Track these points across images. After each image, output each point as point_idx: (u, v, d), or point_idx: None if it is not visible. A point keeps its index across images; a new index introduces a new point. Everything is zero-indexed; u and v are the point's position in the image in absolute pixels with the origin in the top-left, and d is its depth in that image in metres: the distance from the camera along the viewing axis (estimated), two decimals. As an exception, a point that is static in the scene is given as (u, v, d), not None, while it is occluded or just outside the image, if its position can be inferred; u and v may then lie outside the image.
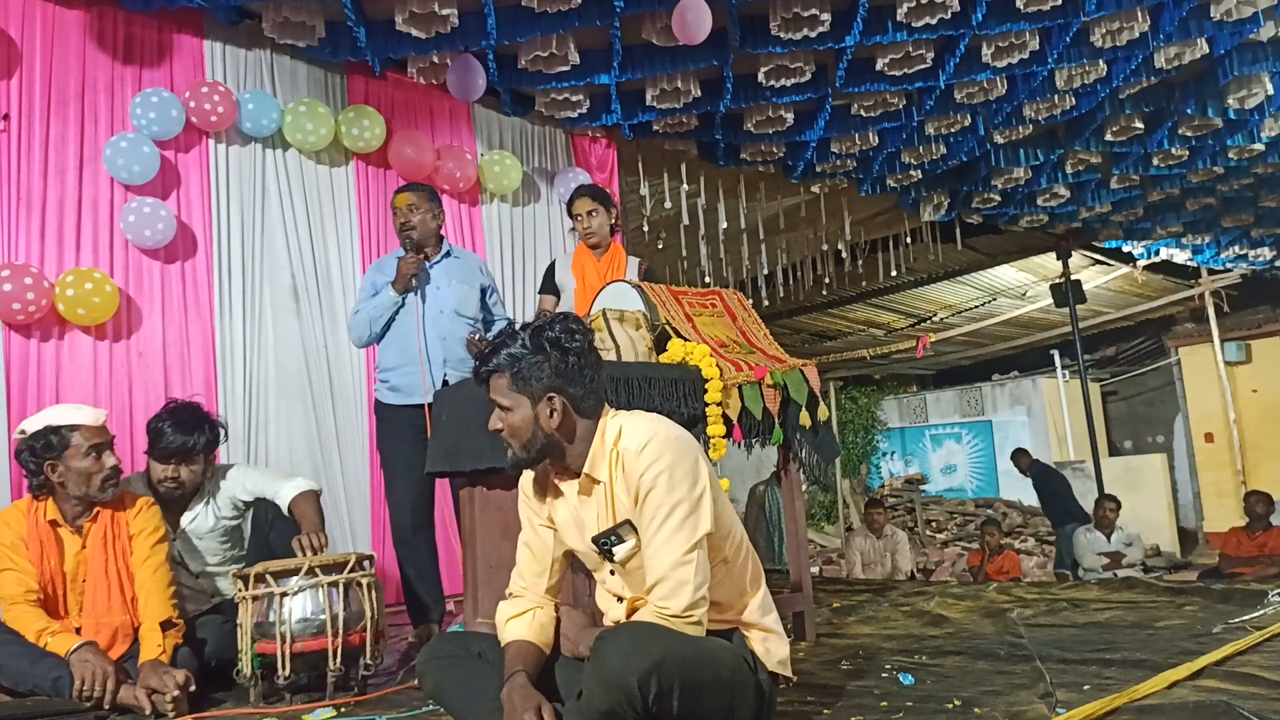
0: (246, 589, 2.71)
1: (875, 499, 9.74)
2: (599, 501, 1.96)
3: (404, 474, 3.54)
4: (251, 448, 4.42)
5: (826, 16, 4.70)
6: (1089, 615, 3.64)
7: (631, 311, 3.08)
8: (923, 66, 5.28)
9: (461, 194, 5.37)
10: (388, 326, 3.61)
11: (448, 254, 3.73)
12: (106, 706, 2.56)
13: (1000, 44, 5.16)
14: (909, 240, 8.43)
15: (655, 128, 5.93)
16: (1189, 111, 6.18)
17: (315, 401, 4.66)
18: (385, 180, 5.05)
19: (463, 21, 4.56)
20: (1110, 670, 2.57)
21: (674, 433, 1.93)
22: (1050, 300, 10.39)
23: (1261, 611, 3.36)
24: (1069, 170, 7.14)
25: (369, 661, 2.77)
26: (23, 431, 2.80)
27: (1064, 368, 13.88)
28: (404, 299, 3.57)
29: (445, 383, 3.50)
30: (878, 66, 5.25)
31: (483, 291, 3.76)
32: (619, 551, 1.94)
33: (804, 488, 3.41)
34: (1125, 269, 10.98)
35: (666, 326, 3.12)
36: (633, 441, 1.90)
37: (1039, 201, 7.73)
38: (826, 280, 9.55)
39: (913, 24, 4.80)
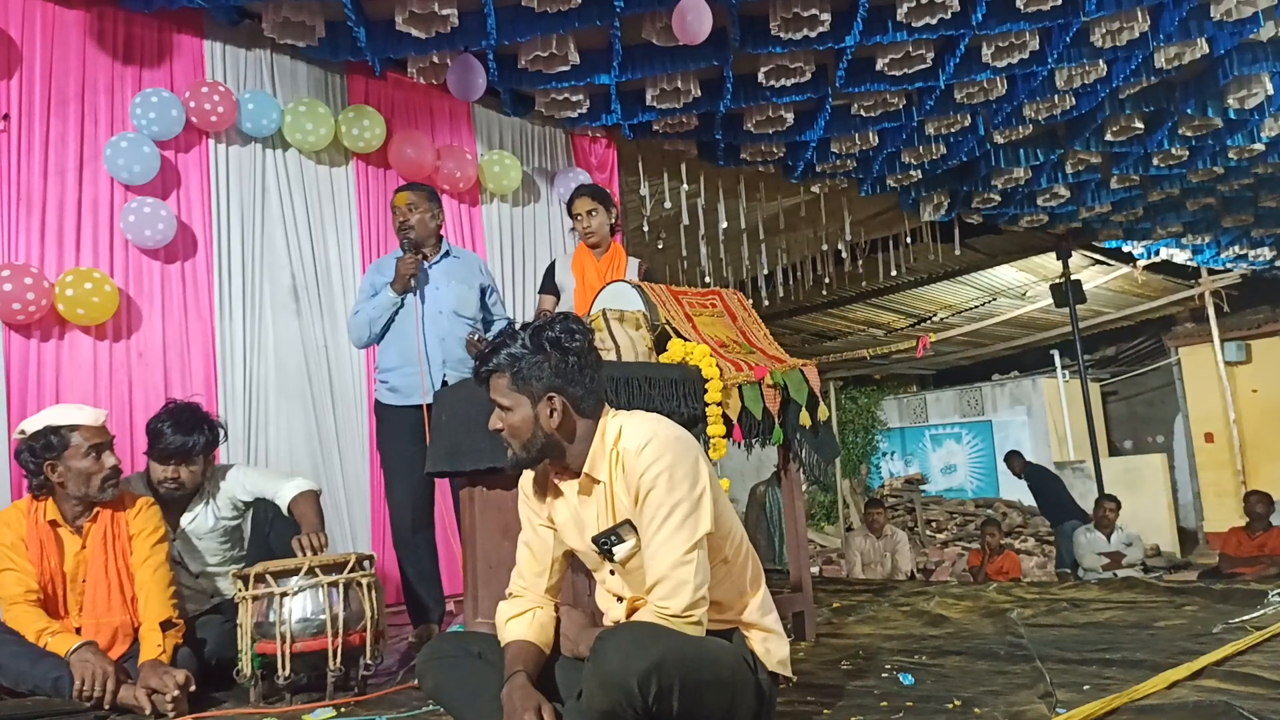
0: (246, 589, 2.71)
1: (875, 499, 9.73)
2: (599, 501, 1.96)
3: (404, 474, 3.54)
4: (251, 448, 4.42)
5: (826, 16, 4.70)
6: (1089, 615, 3.64)
7: (631, 311, 3.08)
8: (923, 66, 5.28)
9: (461, 194, 5.37)
10: (387, 327, 3.61)
11: (447, 254, 3.73)
12: (106, 706, 2.57)
13: (1000, 44, 5.16)
14: (909, 240, 8.43)
15: (655, 128, 5.93)
16: (1189, 111, 6.18)
17: (315, 401, 4.65)
18: (385, 180, 5.05)
19: (463, 21, 4.56)
20: (1110, 670, 2.57)
21: (674, 433, 1.93)
22: (1050, 300, 10.39)
23: (1261, 611, 3.36)
24: (1069, 170, 7.14)
25: (369, 661, 2.77)
26: (23, 431, 2.80)
27: (1064, 368, 13.88)
28: (403, 299, 3.57)
29: (444, 383, 3.50)
30: (878, 66, 5.25)
31: (482, 291, 3.76)
32: (619, 551, 1.94)
33: (804, 488, 3.41)
34: (1125, 269, 10.98)
35: (666, 326, 3.12)
36: (633, 441, 1.90)
37: (1039, 201, 7.73)
38: (826, 280, 9.55)
39: (913, 24, 4.80)
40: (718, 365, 2.98)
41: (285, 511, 3.15)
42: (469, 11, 4.54)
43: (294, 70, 4.88)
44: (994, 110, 6.11)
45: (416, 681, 2.38)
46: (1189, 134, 6.49)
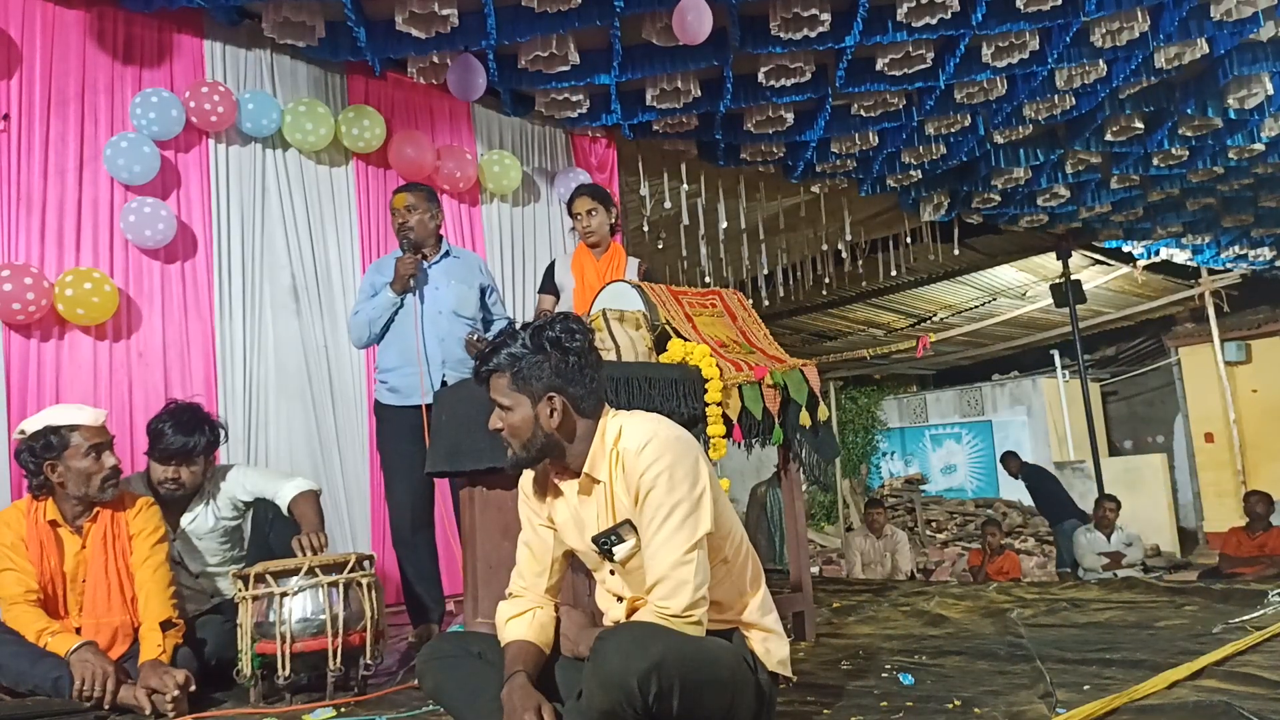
0: (246, 589, 2.71)
1: (875, 499, 9.73)
2: (599, 501, 1.96)
3: (403, 474, 3.54)
4: (251, 448, 4.42)
5: (826, 16, 4.70)
6: (1089, 615, 3.64)
7: (631, 311, 3.08)
8: (923, 66, 5.28)
9: (461, 194, 5.37)
10: (387, 327, 3.61)
11: (447, 254, 3.72)
12: (106, 706, 2.57)
13: (1000, 44, 5.16)
14: (909, 240, 8.43)
15: (655, 128, 5.93)
16: (1189, 111, 6.18)
17: (315, 401, 4.65)
18: (385, 180, 5.04)
19: (463, 21, 4.56)
20: (1110, 670, 2.57)
21: (674, 433, 1.93)
22: (1050, 300, 10.39)
23: (1261, 611, 3.36)
24: (1069, 170, 7.14)
25: (369, 661, 2.77)
26: (22, 431, 2.80)
27: (1064, 368, 13.88)
28: (402, 300, 3.57)
29: (444, 383, 3.50)
30: (878, 66, 5.25)
31: (482, 291, 3.76)
32: (619, 551, 1.94)
33: (804, 488, 3.41)
34: (1125, 269, 10.98)
35: (666, 326, 3.12)
36: (633, 441, 1.90)
37: (1039, 201, 7.73)
38: (826, 280, 9.55)
39: (913, 24, 4.80)
40: (718, 365, 2.98)
41: (285, 511, 3.15)
42: (469, 11, 4.54)
43: (294, 70, 4.88)
44: (994, 110, 6.11)
45: (416, 681, 2.38)
46: (1189, 134, 6.49)
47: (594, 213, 3.98)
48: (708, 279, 8.44)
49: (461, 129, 5.49)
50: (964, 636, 3.30)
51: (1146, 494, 12.27)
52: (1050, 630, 3.35)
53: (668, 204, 6.74)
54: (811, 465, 3.25)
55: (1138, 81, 5.87)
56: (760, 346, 3.30)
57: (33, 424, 2.79)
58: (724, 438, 2.96)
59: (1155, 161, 6.98)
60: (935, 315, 12.54)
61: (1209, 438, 12.93)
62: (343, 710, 2.57)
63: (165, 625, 2.75)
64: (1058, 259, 9.55)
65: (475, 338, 3.51)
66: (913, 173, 7.04)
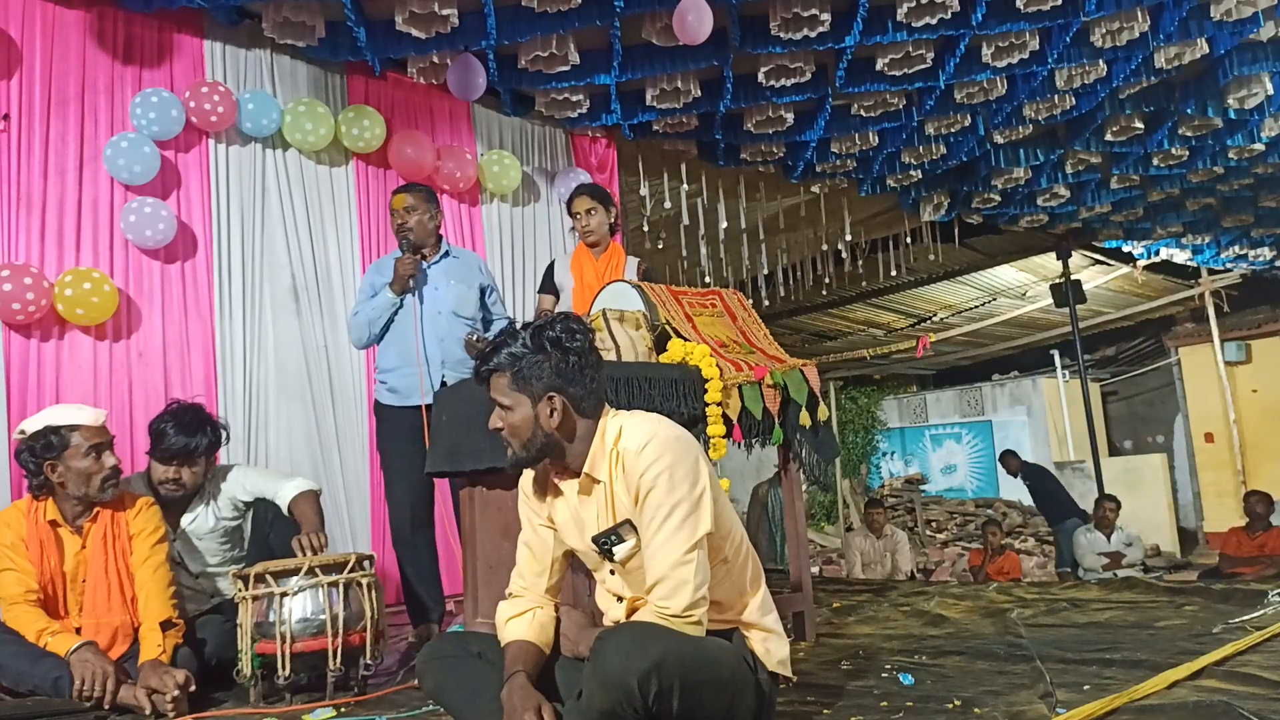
0: (246, 589, 2.71)
1: (875, 499, 9.73)
2: (599, 501, 1.96)
3: (403, 474, 3.54)
4: (251, 448, 4.42)
5: (826, 16, 4.70)
6: (1089, 615, 3.64)
7: (631, 311, 3.08)
8: (923, 66, 5.28)
9: (461, 194, 5.37)
10: (387, 328, 3.60)
11: (446, 254, 3.72)
12: (106, 706, 2.57)
13: (1000, 44, 5.16)
14: (909, 240, 8.43)
15: (655, 128, 5.93)
16: (1189, 111, 6.18)
17: (315, 401, 4.65)
18: (385, 180, 5.04)
19: (463, 21, 4.56)
20: (1110, 670, 2.57)
21: (674, 433, 1.93)
22: (1050, 300, 10.39)
23: (1261, 611, 3.36)
24: (1069, 170, 7.14)
25: (369, 661, 2.77)
26: (22, 431, 2.80)
27: (1064, 368, 13.88)
28: (402, 300, 3.57)
29: (444, 384, 3.50)
30: (878, 66, 5.25)
31: (482, 291, 3.76)
32: (619, 551, 1.95)
33: (804, 488, 3.41)
34: (1125, 269, 10.98)
35: (666, 326, 3.12)
36: (633, 441, 1.90)
37: (1039, 201, 7.73)
38: (826, 280, 9.55)
39: (913, 24, 4.80)
40: (718, 365, 2.98)
41: (285, 511, 3.15)
42: (469, 11, 4.54)
43: (294, 70, 4.87)
44: (994, 110, 6.11)
45: (416, 681, 2.38)
46: (1189, 134, 6.49)
47: (593, 212, 3.99)
48: (708, 279, 8.44)
49: (461, 129, 5.49)
50: (964, 636, 3.30)
51: (1146, 494, 12.27)
52: (1050, 630, 3.35)
53: (668, 204, 6.74)
54: (811, 465, 3.25)
55: (1138, 81, 5.87)
56: (760, 346, 3.30)
57: (33, 424, 2.79)
58: (724, 438, 2.96)
59: (1155, 161, 6.98)
60: (935, 315, 12.54)
61: (1209, 438, 12.93)
62: (343, 710, 2.57)
63: (165, 625, 2.75)
64: (1058, 259, 9.55)
65: (475, 338, 3.51)
66: (913, 173, 7.04)
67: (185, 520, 3.15)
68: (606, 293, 3.31)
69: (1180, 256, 10.21)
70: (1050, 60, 5.37)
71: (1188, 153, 6.84)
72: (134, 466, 3.47)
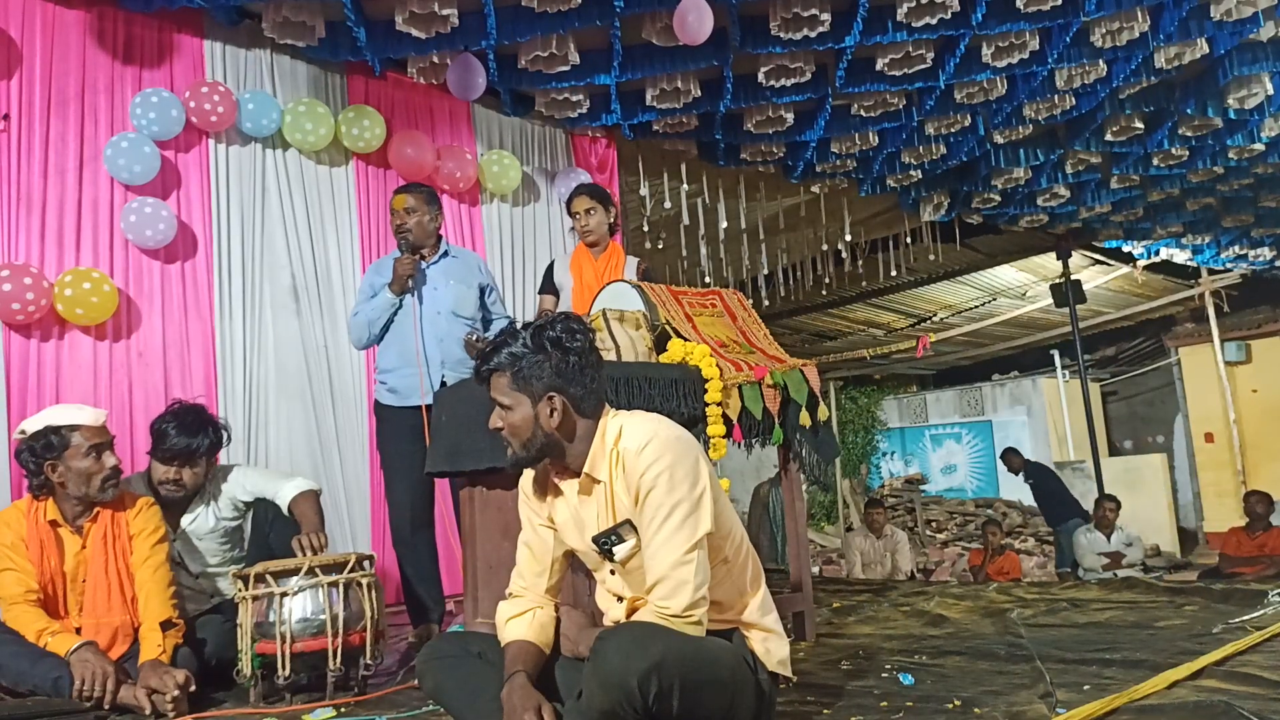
0: (246, 589, 2.71)
1: (875, 499, 9.73)
2: (599, 501, 1.96)
3: (403, 474, 3.54)
4: (251, 448, 4.42)
5: (826, 16, 4.70)
6: (1089, 615, 3.64)
7: (631, 311, 3.08)
8: (923, 66, 5.28)
9: (461, 194, 5.37)
10: (386, 328, 3.60)
11: (445, 254, 3.72)
12: (106, 706, 2.57)
13: (1000, 44, 5.16)
14: (909, 240, 8.43)
15: (655, 128, 5.93)
16: (1189, 111, 6.18)
17: (315, 401, 4.65)
18: (385, 180, 5.04)
19: (463, 21, 4.56)
20: (1110, 670, 2.57)
21: (674, 433, 1.93)
22: (1050, 300, 10.38)
23: (1261, 611, 3.36)
24: (1069, 170, 7.14)
25: (369, 661, 2.77)
26: (23, 431, 2.80)
27: (1064, 368, 13.88)
28: (401, 300, 3.57)
29: (443, 384, 3.50)
30: (878, 66, 5.25)
31: (481, 291, 3.76)
32: (619, 551, 1.95)
33: (804, 488, 3.41)
34: (1125, 269, 10.98)
35: (666, 326, 3.12)
36: (633, 441, 1.90)
37: (1039, 201, 7.73)
38: (826, 280, 9.55)
39: (913, 24, 4.80)
40: (718, 365, 2.98)
41: (285, 511, 3.15)
42: (469, 11, 4.54)
43: (294, 70, 4.87)
44: (994, 110, 6.11)
45: (416, 681, 2.38)
46: (1189, 134, 6.49)
47: (592, 212, 3.99)
48: (708, 279, 8.44)
49: (461, 129, 5.49)
50: (964, 636, 3.30)
51: (1146, 494, 12.26)
52: (1050, 630, 3.35)
53: (668, 204, 6.74)
54: (811, 465, 3.25)
55: (1138, 81, 5.87)
56: (760, 346, 3.30)
57: (33, 424, 2.79)
58: (724, 438, 2.96)
59: (1155, 161, 6.98)
60: (935, 315, 12.55)
61: (1209, 438, 12.93)
62: (343, 710, 2.57)
63: (165, 625, 2.75)
64: (1058, 259, 9.55)
65: (475, 338, 3.51)
66: (913, 173, 7.04)
67: (185, 520, 3.15)
68: (606, 293, 3.31)
69: (1180, 256, 10.21)
70: (1050, 60, 5.37)
71: (1188, 153, 6.84)
72: (134, 466, 3.47)
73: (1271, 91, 5.85)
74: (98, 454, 2.77)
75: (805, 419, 3.16)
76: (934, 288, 11.26)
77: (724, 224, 7.19)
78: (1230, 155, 6.91)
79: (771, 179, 7.04)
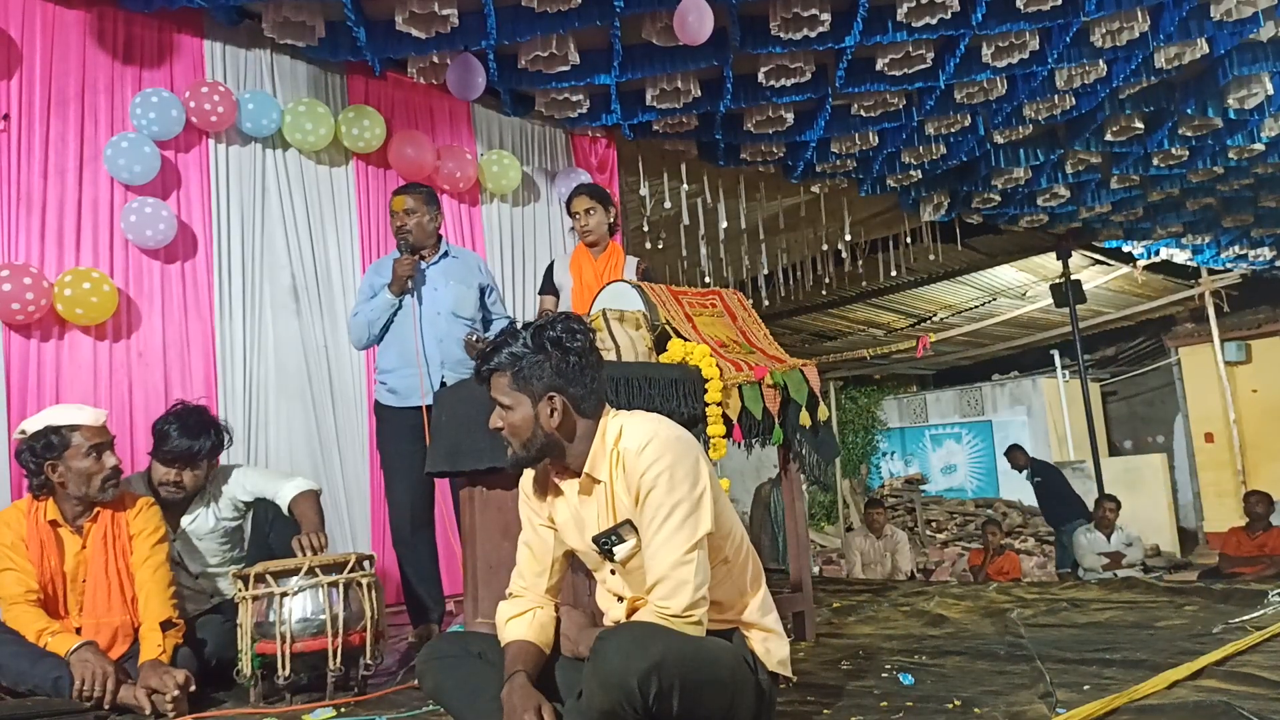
0: (246, 589, 2.71)
1: (875, 499, 9.73)
2: (599, 501, 1.96)
3: (403, 474, 3.54)
4: (251, 448, 4.42)
5: (826, 16, 4.70)
6: (1089, 615, 3.64)
7: (631, 311, 3.08)
8: (923, 66, 5.28)
9: (461, 194, 5.37)
10: (386, 328, 3.60)
11: (445, 254, 3.72)
12: (106, 706, 2.56)
13: (1000, 44, 5.16)
14: (909, 240, 8.43)
15: (655, 128, 5.93)
16: (1189, 111, 6.18)
17: (315, 401, 4.65)
18: (385, 180, 5.04)
19: (463, 21, 4.55)
20: (1110, 670, 2.57)
21: (674, 433, 1.93)
22: (1050, 300, 10.38)
23: (1261, 611, 3.36)
24: (1069, 170, 7.14)
25: (369, 661, 2.77)
26: (23, 431, 2.80)
27: (1064, 368, 13.89)
28: (401, 301, 3.57)
29: (443, 384, 3.50)
30: (878, 66, 5.25)
31: (481, 291, 3.76)
32: (619, 551, 1.95)
33: (804, 488, 3.41)
34: (1125, 269, 10.98)
35: (666, 326, 3.12)
36: (633, 441, 1.90)
37: (1039, 201, 7.73)
38: (826, 280, 9.55)
39: (913, 24, 4.80)
40: (718, 365, 2.98)
41: (285, 511, 3.15)
42: (469, 11, 4.54)
43: (294, 70, 4.87)
44: (994, 110, 6.11)
45: (416, 681, 2.38)
46: (1189, 134, 6.49)
47: (592, 212, 4.00)
48: (708, 279, 8.44)
49: (461, 129, 5.49)
50: (964, 636, 3.30)
51: (1146, 494, 12.26)
52: (1050, 630, 3.35)
53: (668, 204, 6.74)
54: (811, 465, 3.25)
55: (1138, 81, 5.87)
56: (760, 346, 3.30)
57: (33, 424, 2.79)
58: (724, 438, 2.96)
59: (1155, 161, 6.98)
60: (935, 315, 12.55)
61: (1209, 438, 12.93)
62: (343, 710, 2.57)
63: (165, 625, 2.75)
64: (1058, 259, 9.55)
65: (474, 338, 3.51)
66: (913, 173, 7.04)
67: (185, 521, 3.15)
68: (606, 293, 3.31)
69: (1180, 256, 10.21)
70: (1050, 60, 5.37)
71: (1188, 153, 6.84)
72: (134, 466, 3.47)
73: (1271, 91, 5.85)
74: (98, 454, 2.77)
75: (805, 419, 3.16)
76: (934, 288, 11.26)
77: (724, 224, 7.19)
78: (1230, 155, 6.91)
79: (771, 179, 7.04)
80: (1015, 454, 9.43)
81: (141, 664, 2.63)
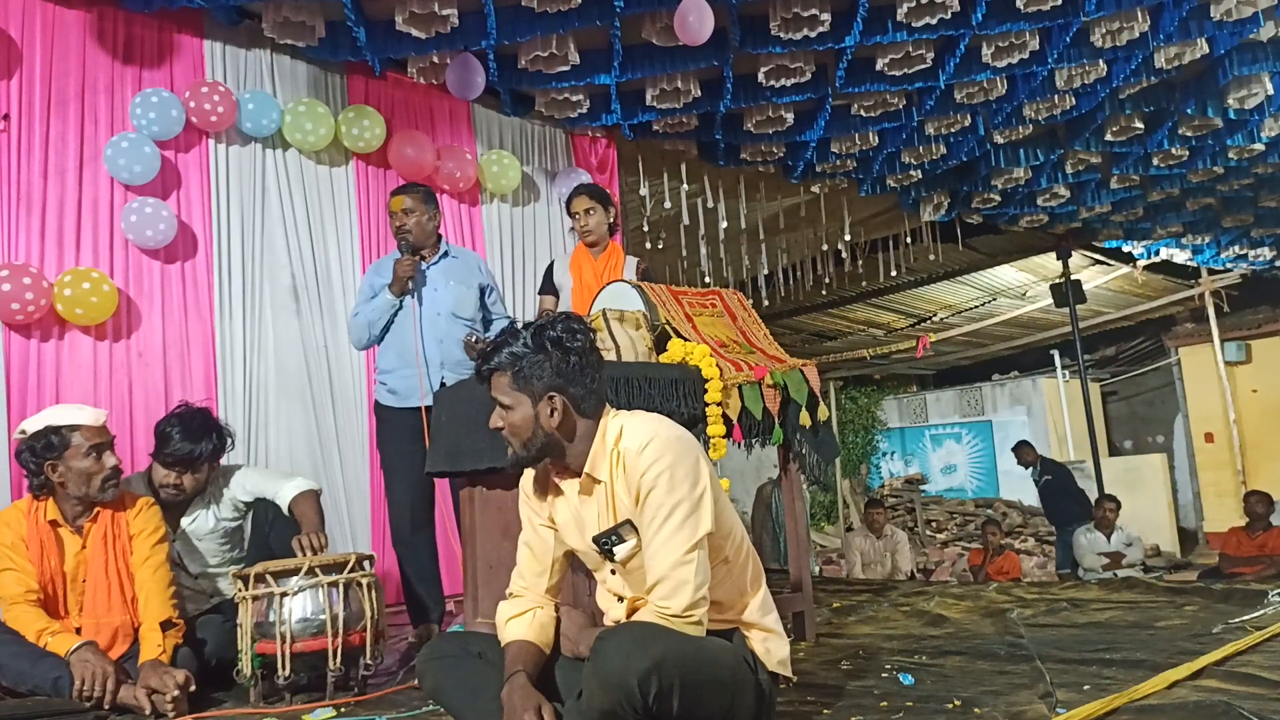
0: (246, 589, 2.71)
1: (875, 499, 9.73)
2: (600, 501, 1.96)
3: (403, 474, 3.54)
4: (251, 448, 4.42)
5: (826, 16, 4.70)
6: (1089, 615, 3.64)
7: (631, 311, 3.08)
8: (923, 66, 5.28)
9: (461, 194, 5.37)
10: (386, 329, 3.61)
11: (445, 254, 3.72)
12: (106, 706, 2.57)
13: (1000, 44, 5.16)
14: (909, 240, 8.43)
15: (655, 128, 5.93)
16: (1189, 111, 6.18)
17: (315, 401, 4.65)
18: (385, 180, 5.04)
19: (463, 21, 4.55)
20: (1110, 670, 2.57)
21: (675, 433, 1.93)
22: (1050, 300, 10.38)
23: (1261, 611, 3.36)
24: (1069, 170, 7.14)
25: (369, 661, 2.77)
26: (23, 431, 2.80)
27: (1064, 368, 13.89)
28: (401, 302, 3.57)
29: (443, 385, 3.50)
30: (878, 66, 5.25)
31: (481, 290, 3.76)
32: (619, 551, 1.95)
33: (805, 488, 3.41)
34: (1125, 269, 10.98)
35: (666, 326, 3.12)
36: (634, 441, 1.90)
37: (1039, 201, 7.73)
38: (826, 280, 9.55)
39: (913, 24, 4.80)
40: (718, 365, 2.98)
41: (285, 511, 3.15)
42: (469, 11, 4.54)
43: (294, 70, 4.87)
44: (994, 110, 6.11)
45: (416, 681, 2.38)
46: (1189, 134, 6.49)
47: (592, 212, 4.00)
48: (708, 279, 8.44)
49: (461, 129, 5.49)
50: (964, 636, 3.30)
51: (1146, 494, 12.27)
52: (1050, 630, 3.35)
53: (668, 204, 6.74)
54: (811, 465, 3.25)
55: (1138, 81, 5.87)
56: (760, 346, 3.30)
57: (33, 424, 2.79)
58: (724, 438, 2.96)
59: (1155, 161, 6.98)
60: (935, 315, 12.55)
61: (1209, 438, 12.93)
62: (343, 710, 2.57)
63: (165, 625, 2.75)
64: (1058, 259, 9.55)
65: (474, 339, 3.51)
66: (913, 173, 7.04)
67: (185, 521, 3.15)
68: (606, 293, 3.31)
69: (1180, 256, 10.21)
70: (1050, 60, 5.37)
71: (1188, 153, 6.84)
72: (134, 466, 3.47)
73: (1271, 91, 5.85)
74: (98, 454, 2.77)
75: (805, 419, 3.16)
76: (934, 288, 11.26)
77: (724, 224, 7.19)
78: (1230, 155, 6.91)
79: (771, 179, 7.04)
80: (1023, 450, 9.31)
81: (141, 664, 2.63)
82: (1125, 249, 9.95)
